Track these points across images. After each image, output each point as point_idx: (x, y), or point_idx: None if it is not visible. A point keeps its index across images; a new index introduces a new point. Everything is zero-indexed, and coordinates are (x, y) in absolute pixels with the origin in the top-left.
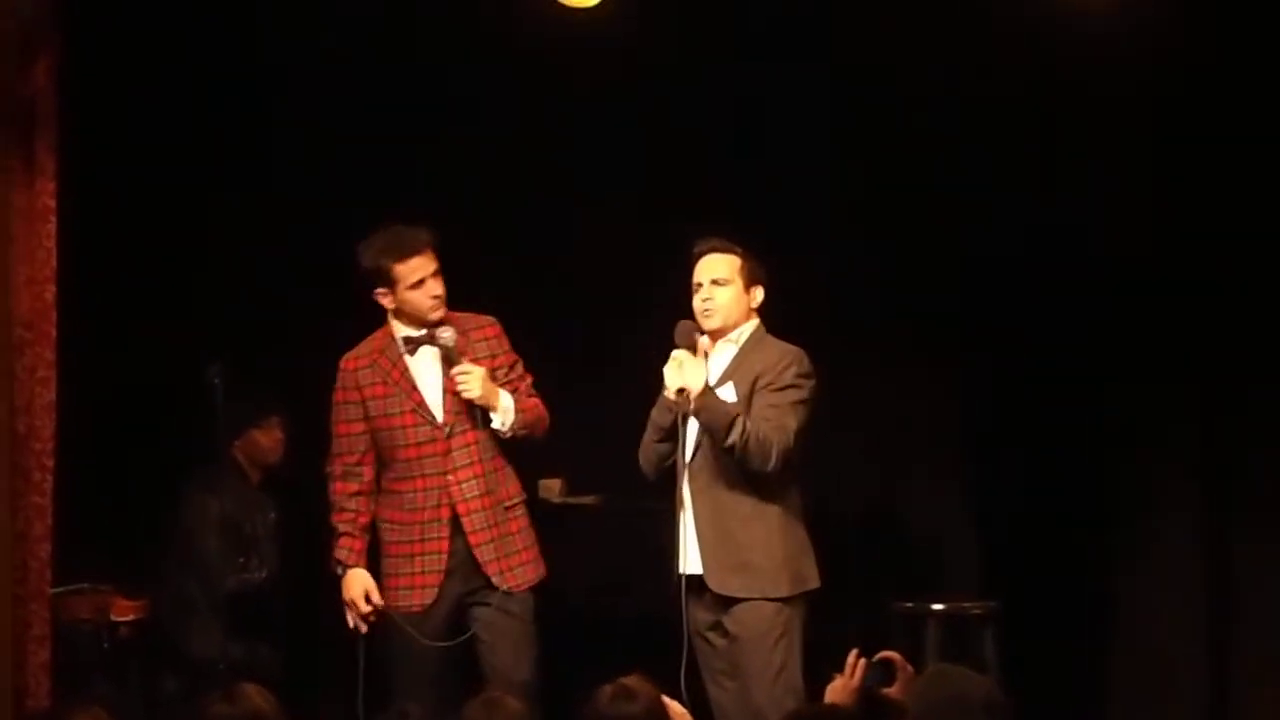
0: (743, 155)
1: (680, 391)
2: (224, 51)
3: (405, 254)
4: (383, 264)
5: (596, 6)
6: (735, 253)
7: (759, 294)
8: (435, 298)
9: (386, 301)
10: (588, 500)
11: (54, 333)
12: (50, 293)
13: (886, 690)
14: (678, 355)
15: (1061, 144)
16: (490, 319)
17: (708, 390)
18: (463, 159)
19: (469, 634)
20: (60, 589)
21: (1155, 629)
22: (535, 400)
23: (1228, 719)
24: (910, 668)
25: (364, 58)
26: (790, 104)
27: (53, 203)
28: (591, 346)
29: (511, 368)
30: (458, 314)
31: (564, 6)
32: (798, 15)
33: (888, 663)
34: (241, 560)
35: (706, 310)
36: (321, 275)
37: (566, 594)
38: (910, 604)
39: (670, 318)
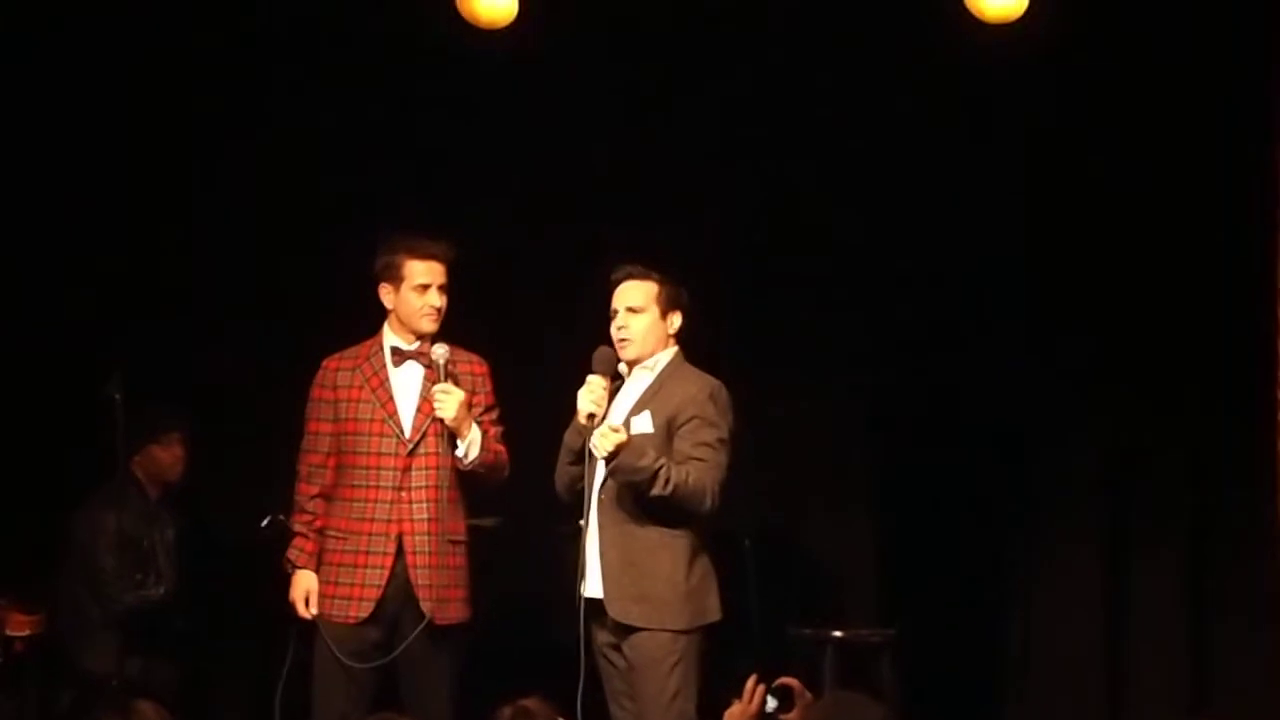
0: (660, 179)
1: (590, 416)
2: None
3: (420, 254)
4: (395, 257)
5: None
6: (652, 279)
7: (676, 320)
8: (434, 308)
9: (387, 299)
10: (486, 522)
11: None
12: None
13: (785, 716)
14: (592, 380)
15: (948, 151)
16: (480, 358)
17: (625, 449)
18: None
19: (391, 658)
20: None
21: (1053, 657)
22: (501, 448)
23: None
24: (808, 694)
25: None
26: (701, 123)
27: None
28: (503, 368)
29: (487, 410)
30: (452, 345)
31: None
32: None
33: (786, 689)
34: (139, 576)
35: (621, 339)
36: (227, 286)
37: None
38: (809, 630)
39: (582, 337)
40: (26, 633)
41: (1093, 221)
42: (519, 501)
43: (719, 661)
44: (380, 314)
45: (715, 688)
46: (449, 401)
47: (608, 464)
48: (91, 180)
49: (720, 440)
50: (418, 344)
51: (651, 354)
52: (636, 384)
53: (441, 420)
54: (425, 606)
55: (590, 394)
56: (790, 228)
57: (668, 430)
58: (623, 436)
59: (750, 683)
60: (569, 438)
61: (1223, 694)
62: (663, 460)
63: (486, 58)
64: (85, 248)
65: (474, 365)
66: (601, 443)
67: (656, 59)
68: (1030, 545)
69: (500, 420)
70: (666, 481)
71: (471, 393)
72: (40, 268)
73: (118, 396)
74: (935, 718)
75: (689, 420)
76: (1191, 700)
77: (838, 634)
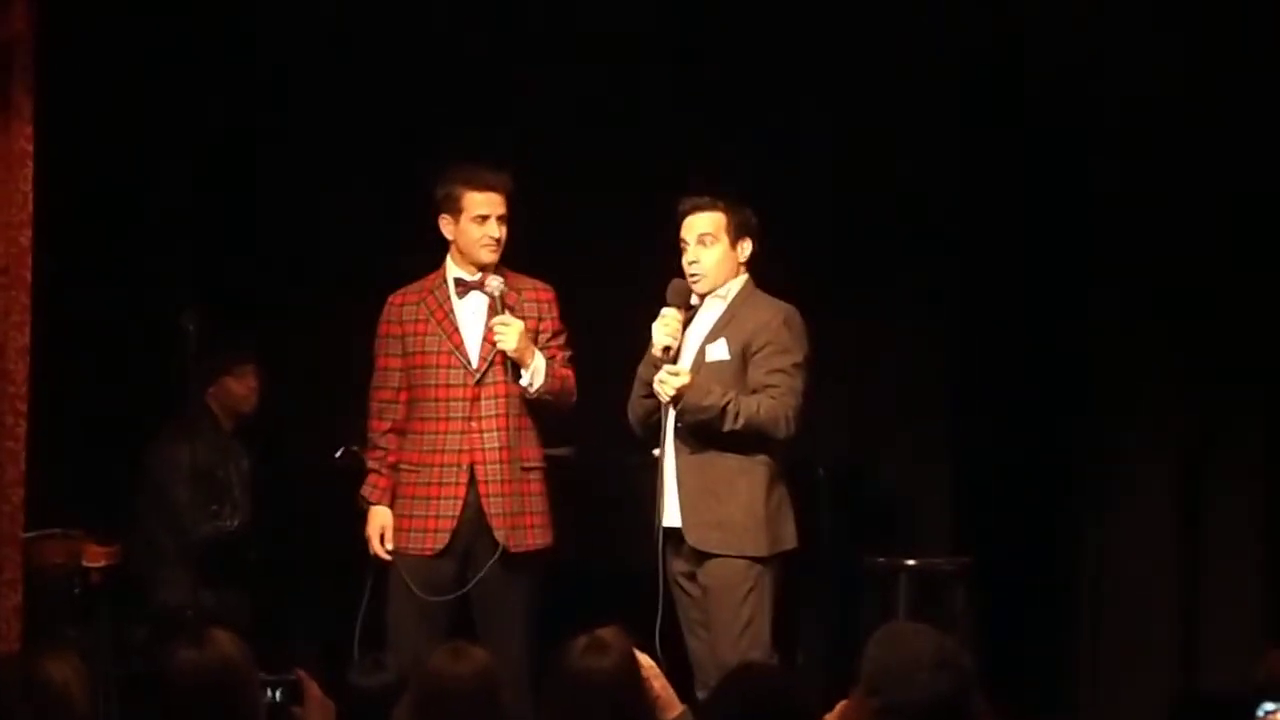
0: (736, 108)
1: (666, 350)
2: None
3: (479, 185)
4: (454, 189)
5: None
6: (720, 208)
7: (747, 248)
8: (493, 239)
9: (447, 230)
10: (560, 452)
11: (29, 277)
12: (26, 237)
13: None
14: (666, 313)
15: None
16: (547, 285)
17: (689, 389)
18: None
19: (466, 589)
20: (32, 534)
21: (1127, 585)
22: (568, 372)
23: (1199, 675)
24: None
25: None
26: (781, 47)
27: (30, 146)
28: (573, 299)
29: (554, 335)
30: (516, 273)
31: None
32: None
33: None
34: (214, 508)
35: (694, 273)
36: (299, 220)
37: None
38: (882, 559)
39: (655, 263)
40: (102, 564)
41: (1163, 155)
42: (592, 431)
43: (795, 592)
44: (443, 247)
45: (790, 619)
46: (509, 333)
47: (674, 405)
48: (162, 115)
49: (795, 365)
50: (480, 275)
51: (724, 283)
52: (709, 312)
53: (505, 351)
54: (499, 535)
55: (665, 327)
56: (867, 161)
57: (743, 357)
58: (686, 378)
59: None
60: (643, 371)
61: None
62: (730, 395)
63: None
64: (158, 182)
65: (539, 292)
66: (663, 388)
67: None
68: (1104, 473)
69: (567, 345)
70: (736, 415)
71: (537, 319)
72: (114, 203)
73: (191, 329)
74: (1009, 646)
75: (764, 346)
76: (1268, 629)
77: (911, 562)
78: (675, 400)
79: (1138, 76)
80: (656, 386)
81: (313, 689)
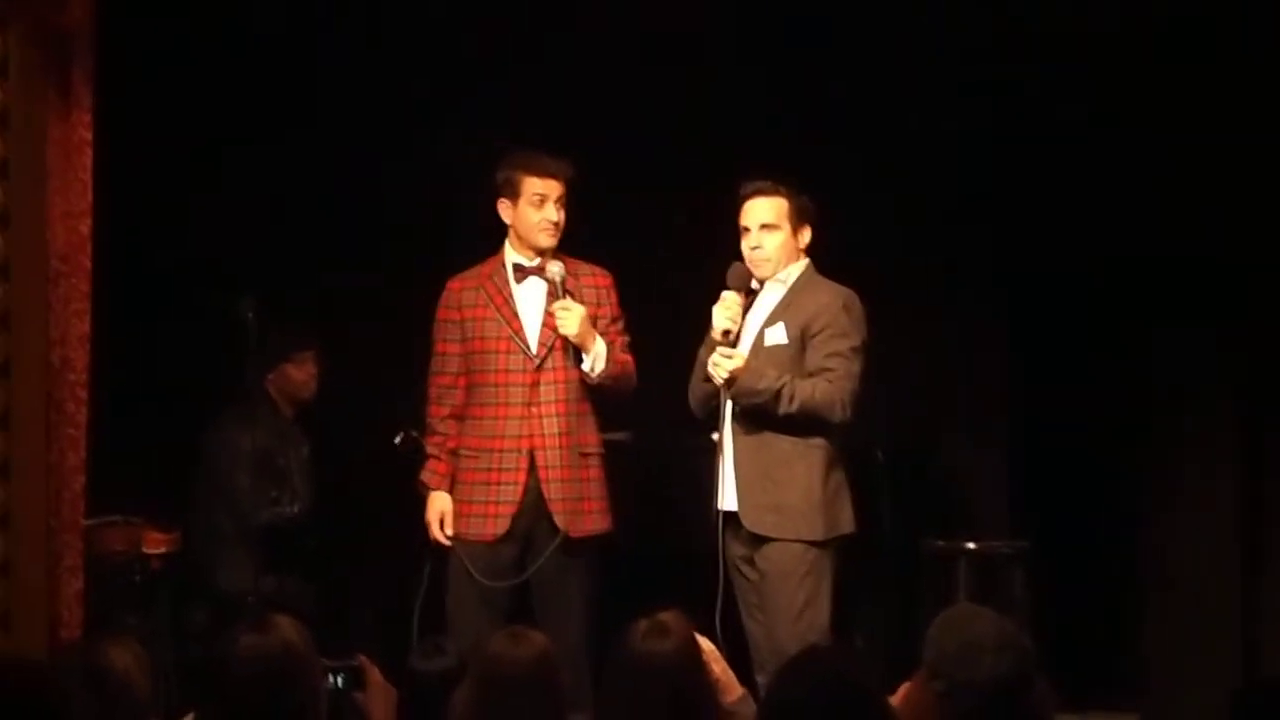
0: (795, 94)
1: (726, 333)
2: None
3: (538, 171)
4: (514, 174)
5: None
6: (781, 194)
7: (807, 234)
8: (551, 223)
9: (505, 214)
10: (618, 437)
11: (89, 265)
12: (86, 225)
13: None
14: (727, 296)
15: (1094, 80)
16: (605, 270)
17: (743, 372)
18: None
19: (526, 574)
20: (93, 521)
21: (1187, 569)
22: (628, 357)
23: (1261, 661)
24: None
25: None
26: (842, 45)
27: (89, 135)
28: (631, 285)
29: (613, 321)
30: (574, 259)
31: None
32: None
33: None
34: (274, 494)
35: (756, 259)
36: (358, 207)
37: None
38: (942, 543)
39: (712, 249)
40: (163, 550)
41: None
42: (651, 416)
43: (852, 575)
44: (502, 232)
45: (849, 602)
46: (570, 317)
47: (728, 388)
48: (218, 102)
49: (853, 349)
50: (538, 260)
51: (785, 268)
52: (769, 296)
53: (566, 336)
54: (558, 520)
55: (725, 310)
56: (925, 146)
57: (801, 341)
58: (740, 360)
59: None
60: (704, 355)
61: None
62: (785, 379)
63: None
64: (219, 168)
65: (598, 278)
66: (717, 370)
67: None
68: (1165, 456)
69: (626, 331)
70: (791, 399)
71: (596, 305)
72: (173, 189)
73: (251, 316)
74: (1069, 629)
75: (822, 330)
76: None
77: (971, 546)
78: (729, 383)
79: None
80: (711, 369)
81: (374, 675)
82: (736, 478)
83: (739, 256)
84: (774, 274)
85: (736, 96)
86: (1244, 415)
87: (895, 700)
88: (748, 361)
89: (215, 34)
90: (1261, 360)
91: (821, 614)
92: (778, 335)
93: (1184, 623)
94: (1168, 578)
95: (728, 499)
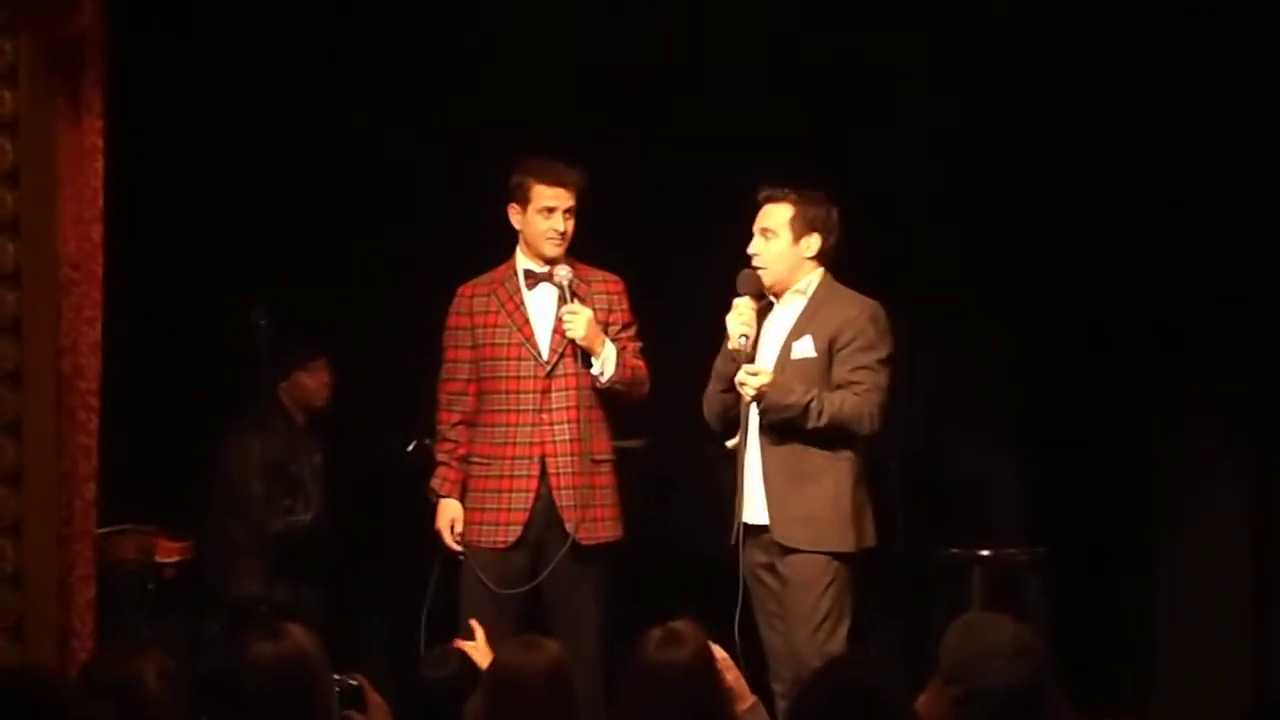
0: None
1: (744, 338)
2: None
3: (549, 179)
4: (526, 179)
5: None
6: (789, 201)
7: (814, 242)
8: (558, 232)
9: (515, 220)
10: (632, 444)
11: (100, 272)
12: (97, 232)
13: None
14: (738, 303)
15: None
16: (616, 277)
17: (772, 388)
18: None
19: (538, 581)
20: (105, 529)
21: (1201, 578)
22: (639, 363)
23: (1274, 672)
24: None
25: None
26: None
27: (100, 141)
28: (644, 292)
29: (624, 327)
30: (586, 265)
31: None
32: None
33: None
34: (287, 503)
35: (755, 266)
36: (370, 216)
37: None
38: (956, 550)
39: (726, 256)
40: (176, 559)
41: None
42: (665, 423)
43: (867, 583)
44: (514, 238)
45: (866, 613)
46: (577, 321)
47: (757, 405)
48: (229, 112)
49: (879, 361)
50: (549, 266)
51: (789, 278)
52: (790, 308)
53: (574, 340)
54: (569, 527)
55: (738, 316)
56: (947, 160)
57: (829, 353)
58: (767, 377)
59: None
60: (720, 364)
61: None
62: (813, 393)
63: None
64: (231, 177)
65: (609, 284)
66: (745, 389)
67: None
68: (1178, 463)
69: (638, 336)
70: (820, 413)
71: (608, 311)
72: (186, 195)
73: (263, 323)
74: (1084, 636)
75: (849, 342)
76: None
77: (985, 553)
78: (758, 399)
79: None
80: (739, 387)
81: (373, 695)
82: (766, 489)
83: (750, 262)
84: (775, 281)
85: (753, 100)
86: (1258, 418)
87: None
88: (774, 377)
89: (222, 41)
90: (1274, 369)
91: (841, 625)
92: (804, 348)
93: (1196, 629)
94: (1180, 584)
95: (751, 509)
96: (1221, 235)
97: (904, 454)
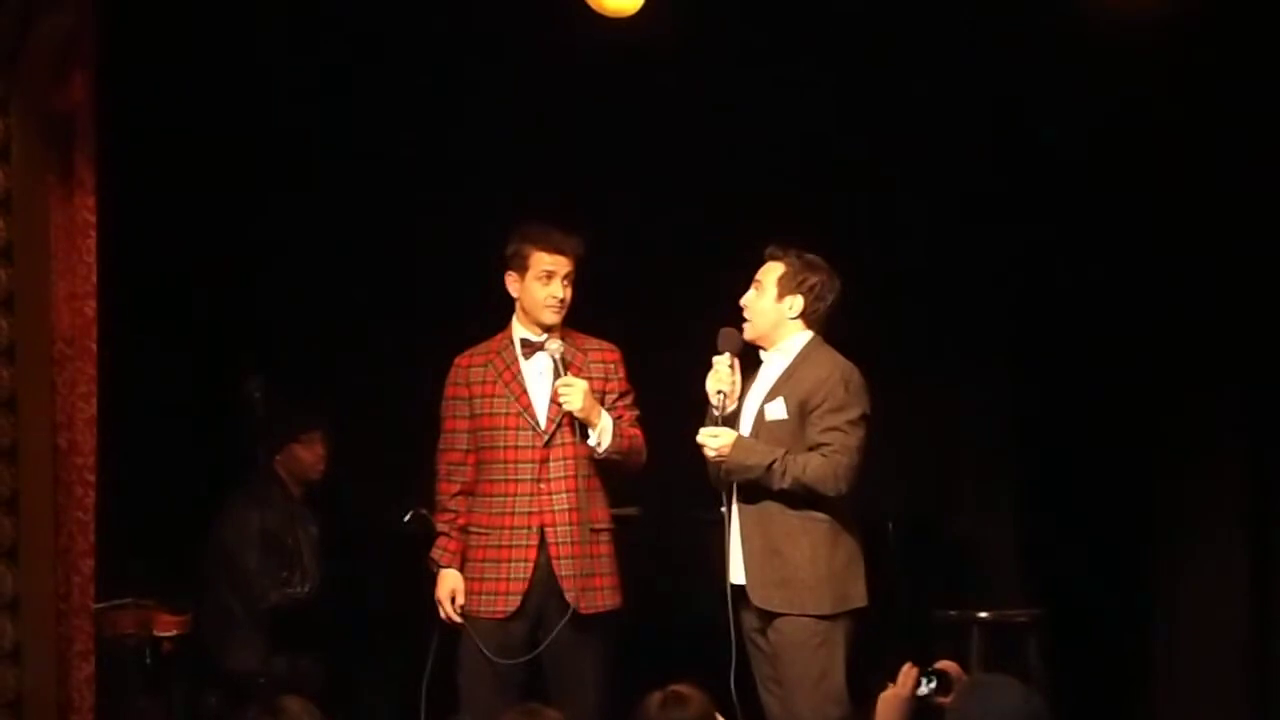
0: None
1: (721, 394)
2: (262, 61)
3: (547, 246)
4: (523, 247)
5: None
6: (786, 259)
7: (796, 303)
8: (556, 299)
9: (513, 288)
10: (628, 512)
11: (94, 348)
12: (91, 308)
13: (941, 700)
14: (717, 361)
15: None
16: (612, 346)
17: (734, 448)
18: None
19: (537, 651)
20: (103, 604)
21: (1199, 638)
22: (636, 432)
23: None
24: (966, 678)
25: (403, 69)
26: (840, 110)
27: (92, 217)
28: (642, 357)
29: (621, 396)
30: (582, 335)
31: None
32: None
33: (943, 674)
34: (284, 574)
35: (744, 316)
36: (364, 288)
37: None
38: (954, 612)
39: (723, 322)
40: (173, 633)
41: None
42: (660, 490)
43: (866, 645)
44: (510, 307)
45: (863, 672)
46: (573, 393)
47: (719, 467)
48: (227, 180)
49: (849, 423)
50: (545, 335)
51: (772, 334)
52: (771, 368)
53: (571, 412)
54: (569, 597)
55: (715, 376)
56: (944, 224)
57: (801, 415)
58: (728, 438)
59: (905, 667)
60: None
61: None
62: (776, 454)
63: (615, 47)
64: (223, 250)
65: (605, 353)
66: (706, 450)
67: (784, 46)
68: (1175, 521)
69: (635, 405)
70: (783, 474)
71: (604, 380)
72: (179, 269)
73: (258, 396)
74: (1083, 697)
75: (820, 404)
76: None
77: (983, 615)
78: (720, 460)
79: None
80: (702, 448)
81: None
82: (744, 552)
83: (729, 321)
84: (754, 334)
85: (748, 166)
86: (1253, 477)
87: None
88: (736, 438)
89: (219, 110)
90: (1270, 419)
91: (837, 683)
92: (777, 411)
93: (1195, 687)
94: (1178, 642)
95: (735, 572)
96: (1219, 296)
97: (901, 515)
